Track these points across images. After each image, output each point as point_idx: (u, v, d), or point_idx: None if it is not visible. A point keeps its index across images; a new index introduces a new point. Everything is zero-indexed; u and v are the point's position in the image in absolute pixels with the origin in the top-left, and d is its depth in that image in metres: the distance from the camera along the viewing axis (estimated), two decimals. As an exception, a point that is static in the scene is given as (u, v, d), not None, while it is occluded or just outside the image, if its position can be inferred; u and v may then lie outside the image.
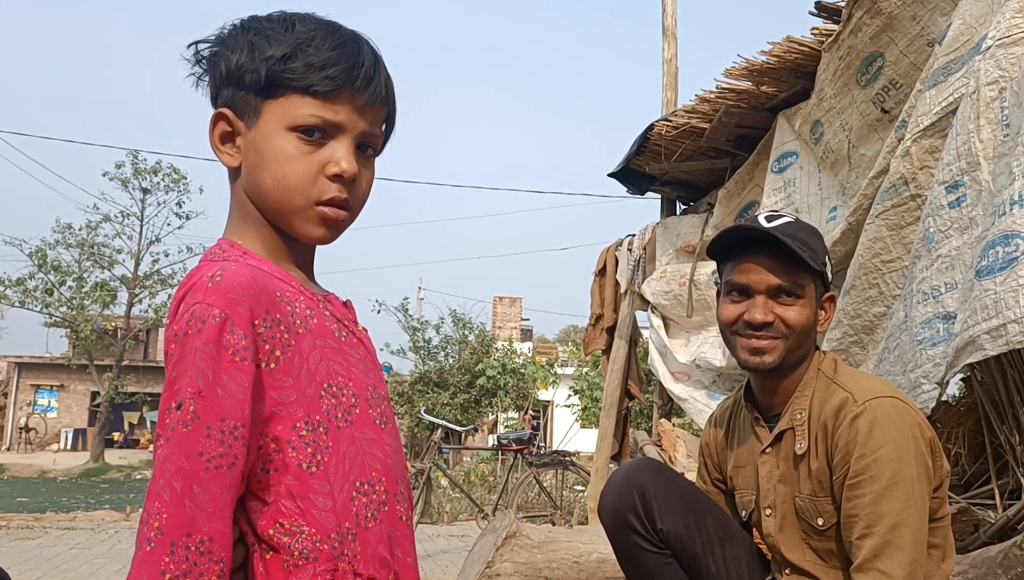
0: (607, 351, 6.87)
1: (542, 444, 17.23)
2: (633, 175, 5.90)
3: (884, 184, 3.05)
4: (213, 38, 1.08)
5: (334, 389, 1.05)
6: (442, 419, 10.90)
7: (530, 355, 22.59)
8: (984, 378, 2.95)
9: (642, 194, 6.23)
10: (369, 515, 1.04)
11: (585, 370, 20.39)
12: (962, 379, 3.25)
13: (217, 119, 1.08)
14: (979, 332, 2.28)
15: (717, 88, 4.58)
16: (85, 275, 24.27)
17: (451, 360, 21.43)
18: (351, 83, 1.04)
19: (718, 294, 1.92)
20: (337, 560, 0.99)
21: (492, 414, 20.22)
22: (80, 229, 24.03)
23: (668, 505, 1.87)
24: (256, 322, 0.97)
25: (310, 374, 1.03)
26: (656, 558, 1.89)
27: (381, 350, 21.33)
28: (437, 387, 19.86)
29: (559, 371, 22.55)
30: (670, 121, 5.10)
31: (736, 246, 1.83)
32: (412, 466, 7.57)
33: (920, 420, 1.69)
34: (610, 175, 5.98)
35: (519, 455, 8.51)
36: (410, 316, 21.98)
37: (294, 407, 1.00)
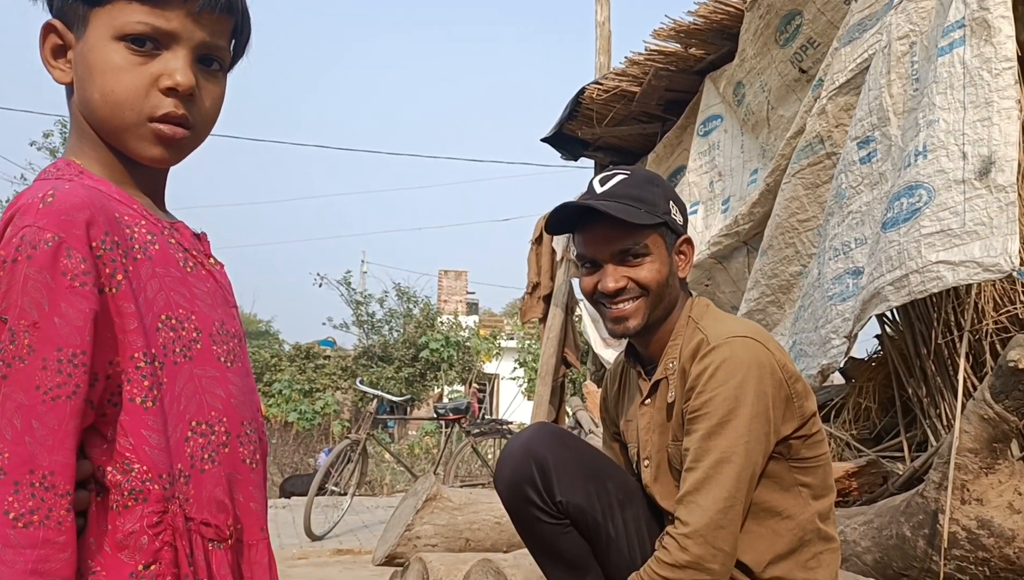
0: (544, 319, 6.87)
1: (487, 416, 17.24)
2: (566, 140, 5.87)
3: (800, 143, 3.07)
4: None
5: (173, 321, 0.98)
6: (386, 392, 10.80)
7: (475, 328, 22.56)
8: (894, 333, 2.99)
9: (575, 159, 6.20)
10: (206, 457, 0.98)
11: (529, 342, 20.45)
12: (875, 335, 3.30)
13: (47, 31, 1.00)
14: (883, 284, 2.30)
15: (646, 51, 4.56)
16: (14, 248, 23.55)
17: (396, 334, 21.29)
18: None
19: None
20: (167, 502, 0.93)
21: (437, 387, 20.19)
22: (6, 201, 23.24)
23: (568, 475, 1.85)
24: (94, 244, 0.90)
25: (147, 303, 0.96)
26: (554, 528, 1.88)
27: (323, 325, 21.08)
28: (381, 361, 19.72)
29: (504, 344, 22.58)
30: (601, 84, 5.07)
31: (577, 217, 1.82)
32: (347, 437, 7.49)
33: (776, 361, 1.68)
34: (543, 140, 5.94)
35: (457, 425, 8.49)
36: (353, 289, 21.73)
37: (134, 337, 0.94)
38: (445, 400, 19.01)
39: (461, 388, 20.54)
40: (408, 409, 11.38)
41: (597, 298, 1.82)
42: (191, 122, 1.01)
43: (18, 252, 0.87)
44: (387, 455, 11.11)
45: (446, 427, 11.19)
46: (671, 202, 1.81)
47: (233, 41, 1.07)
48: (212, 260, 1.10)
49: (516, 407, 17.20)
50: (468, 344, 20.62)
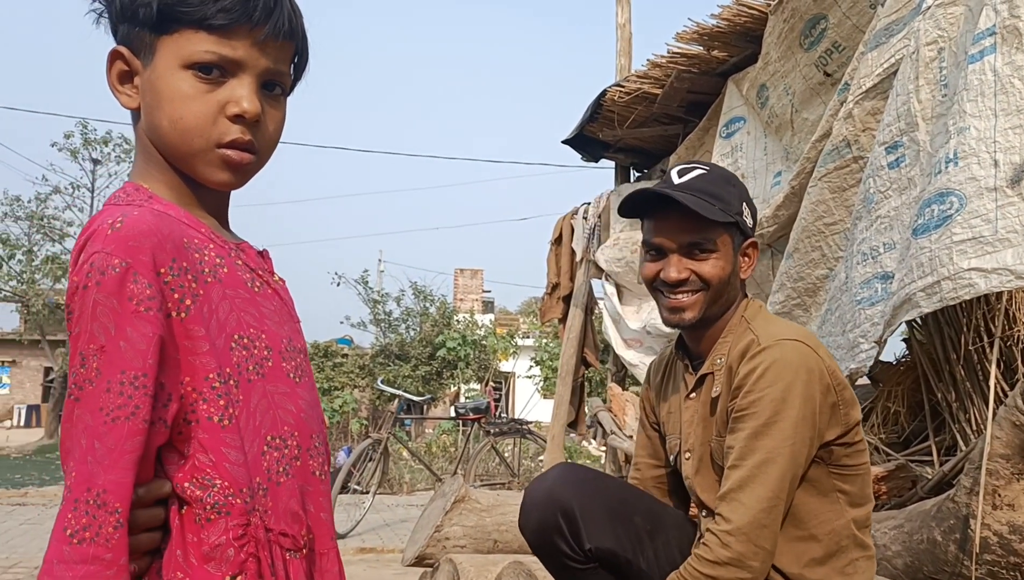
0: (564, 320, 6.89)
1: (504, 414, 17.29)
2: (587, 142, 5.89)
3: (827, 147, 3.07)
4: None
5: (245, 341, 1.01)
6: (403, 390, 10.82)
7: (491, 327, 22.60)
8: (923, 338, 3.00)
9: (596, 161, 6.21)
10: (280, 470, 1.02)
11: (545, 341, 20.46)
12: (903, 339, 3.31)
13: (113, 58, 1.03)
14: (915, 290, 2.31)
15: (668, 53, 4.56)
16: (35, 249, 23.65)
17: (412, 333, 21.36)
18: (248, 16, 0.99)
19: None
20: (250, 515, 0.97)
21: (454, 386, 20.23)
22: (29, 201, 23.38)
23: (594, 520, 1.85)
24: (162, 270, 0.93)
25: (220, 325, 0.99)
26: (584, 572, 1.89)
27: (341, 323, 21.18)
28: (398, 359, 19.80)
29: (520, 342, 22.61)
30: (623, 87, 5.08)
31: (649, 204, 1.85)
32: (369, 436, 7.54)
33: (824, 366, 1.70)
34: (564, 142, 5.96)
35: (477, 424, 8.53)
36: (370, 288, 21.83)
37: (206, 358, 0.97)
38: (462, 399, 19.08)
39: (477, 386, 20.59)
40: (425, 408, 11.43)
41: (657, 286, 1.84)
42: (256, 147, 1.04)
43: (88, 278, 0.90)
44: (405, 454, 11.16)
45: (464, 426, 11.24)
46: (744, 204, 1.84)
47: (293, 64, 1.10)
48: (276, 277, 1.14)
49: (533, 405, 17.22)
50: (485, 342, 20.66)
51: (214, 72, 1.00)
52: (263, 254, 1.14)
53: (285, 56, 1.06)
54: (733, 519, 1.63)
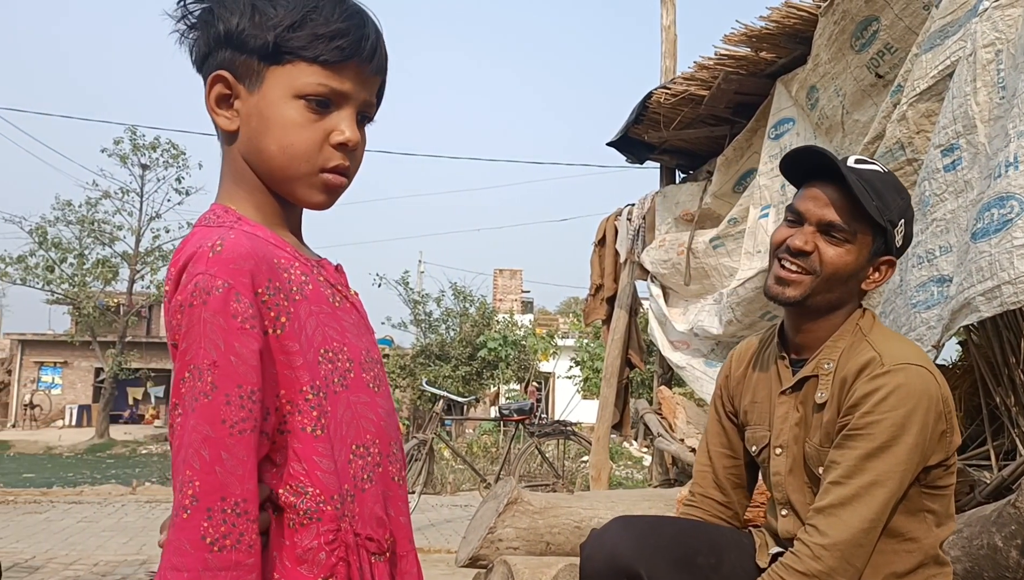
0: (607, 321, 6.90)
1: (544, 415, 17.35)
2: (632, 144, 5.89)
3: (880, 148, 3.05)
4: None
5: (330, 354, 1.06)
6: (444, 390, 10.92)
7: (531, 327, 22.64)
8: (980, 341, 2.97)
9: (641, 163, 6.21)
10: (365, 477, 1.06)
11: (586, 341, 20.45)
12: (959, 342, 3.27)
13: (215, 81, 1.06)
14: (974, 294, 2.30)
15: (716, 55, 4.55)
16: (86, 252, 24.27)
17: (452, 333, 21.48)
18: (359, 54, 1.05)
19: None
20: (340, 521, 1.02)
21: (494, 386, 20.30)
22: (80, 206, 24.01)
23: (661, 579, 1.79)
24: (259, 290, 0.99)
25: (308, 340, 1.04)
26: None
27: (382, 324, 21.39)
28: (439, 360, 19.92)
29: (560, 342, 22.61)
30: (669, 89, 5.08)
31: (812, 173, 1.81)
32: (415, 437, 7.62)
33: (941, 394, 1.67)
34: (609, 144, 5.97)
35: (521, 425, 8.57)
36: (411, 289, 22.01)
37: (300, 372, 1.02)
38: (503, 399, 19.14)
39: (517, 387, 20.64)
40: (466, 408, 11.51)
41: (779, 252, 1.81)
42: (350, 172, 1.10)
43: (193, 297, 0.96)
44: (446, 453, 11.25)
45: (507, 427, 11.30)
46: (903, 221, 1.79)
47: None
48: (352, 291, 1.19)
49: (574, 406, 17.22)
50: (525, 343, 20.70)
51: (324, 103, 1.06)
52: (338, 269, 1.19)
53: (375, 88, 1.12)
54: (831, 534, 1.62)
